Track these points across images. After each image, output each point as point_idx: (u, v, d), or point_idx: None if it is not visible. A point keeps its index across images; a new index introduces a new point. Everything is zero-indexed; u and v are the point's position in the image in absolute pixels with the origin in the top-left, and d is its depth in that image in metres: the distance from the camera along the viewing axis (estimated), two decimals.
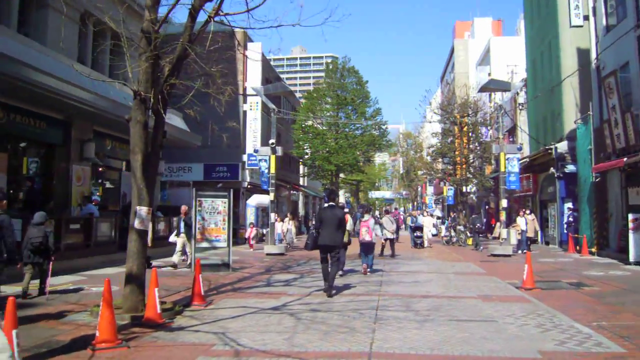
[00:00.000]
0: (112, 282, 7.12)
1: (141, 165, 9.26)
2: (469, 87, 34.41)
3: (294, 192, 52.80)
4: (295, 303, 10.00)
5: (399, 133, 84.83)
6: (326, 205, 12.46)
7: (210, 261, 16.40)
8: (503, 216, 22.35)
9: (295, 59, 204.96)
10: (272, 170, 23.31)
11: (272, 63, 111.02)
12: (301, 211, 54.89)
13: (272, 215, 23.35)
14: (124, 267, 11.47)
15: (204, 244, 15.98)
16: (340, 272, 13.34)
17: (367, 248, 15.35)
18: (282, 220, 25.31)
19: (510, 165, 22.38)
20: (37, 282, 10.67)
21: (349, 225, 16.26)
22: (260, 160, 23.89)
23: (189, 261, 16.23)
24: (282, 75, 68.94)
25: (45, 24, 17.42)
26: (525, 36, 35.46)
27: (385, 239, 20.87)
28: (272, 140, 23.49)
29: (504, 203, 22.33)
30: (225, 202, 16.06)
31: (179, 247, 16.46)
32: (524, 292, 11.54)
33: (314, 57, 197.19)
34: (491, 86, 22.56)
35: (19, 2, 16.89)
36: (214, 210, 15.94)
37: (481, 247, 25.25)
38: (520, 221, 22.93)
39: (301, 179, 54.00)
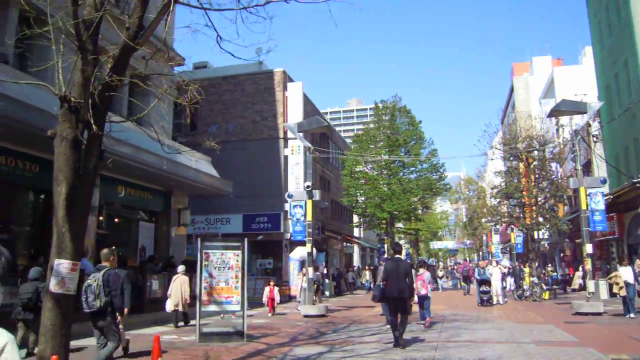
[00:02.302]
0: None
1: (65, 200, 6.34)
2: (533, 117, 30.60)
3: (348, 244, 49.41)
4: None
5: (460, 180, 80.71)
6: (391, 257, 12.84)
7: (220, 329, 13.33)
8: (588, 264, 18.33)
9: (352, 110, 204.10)
10: (309, 218, 20.20)
11: (328, 116, 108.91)
12: (357, 265, 51.27)
13: (310, 270, 20.09)
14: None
15: (212, 307, 12.88)
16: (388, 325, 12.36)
17: (422, 301, 15.63)
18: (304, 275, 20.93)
19: (593, 202, 18.51)
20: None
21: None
22: (295, 206, 20.80)
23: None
24: (338, 128, 66.50)
25: None
26: (595, 60, 31.71)
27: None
28: (307, 183, 20.44)
29: (588, 248, 18.33)
30: (238, 255, 12.99)
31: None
32: None
33: (370, 109, 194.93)
34: (563, 108, 18.89)
35: None
36: (225, 265, 12.86)
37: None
38: (624, 271, 16.65)
39: (355, 230, 50.58)
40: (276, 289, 20.06)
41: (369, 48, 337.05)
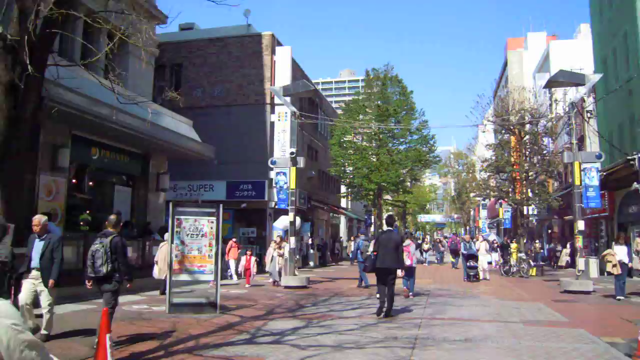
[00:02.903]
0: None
1: None
2: (527, 90, 29.80)
3: (335, 215, 48.79)
4: None
5: (449, 154, 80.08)
6: (384, 229, 12.86)
7: (192, 299, 12.64)
8: (580, 242, 17.74)
9: (344, 81, 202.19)
10: (292, 186, 19.44)
11: (319, 87, 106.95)
12: (343, 236, 50.70)
13: (292, 240, 19.40)
14: (86, 305, 8.07)
15: (184, 277, 12.13)
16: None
17: (407, 271, 15.68)
18: (279, 246, 19.83)
19: (587, 178, 17.86)
20: None
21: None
22: (278, 173, 20.00)
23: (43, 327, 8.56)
24: (330, 99, 65.14)
25: None
26: (592, 33, 30.85)
27: None
28: (292, 150, 19.62)
29: (580, 225, 17.69)
30: (212, 222, 12.20)
31: (26, 299, 8.39)
32: None
33: (362, 80, 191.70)
34: (560, 79, 18.05)
35: None
36: (198, 232, 12.08)
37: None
38: (619, 250, 15.46)
39: (343, 201, 49.88)
40: (253, 258, 19.13)
41: (362, 19, 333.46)
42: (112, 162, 18.95)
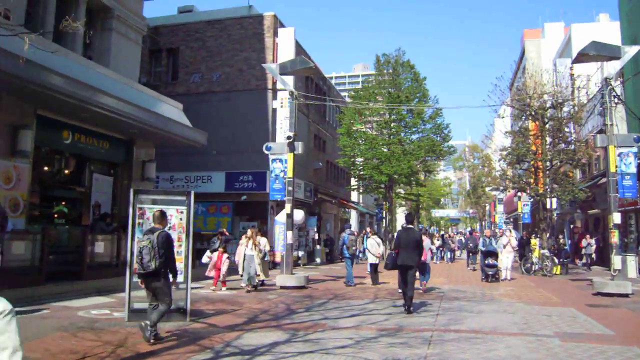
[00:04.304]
0: None
1: None
2: (548, 72, 27.50)
3: (346, 209, 46.68)
4: None
5: (464, 147, 77.69)
6: (404, 226, 12.47)
7: None
8: (615, 237, 15.52)
9: (357, 76, 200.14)
10: (290, 174, 17.42)
11: (333, 81, 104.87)
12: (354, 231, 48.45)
13: (289, 235, 17.42)
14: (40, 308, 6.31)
15: None
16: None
17: (421, 268, 15.39)
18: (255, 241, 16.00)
19: (624, 164, 15.67)
20: None
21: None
22: (273, 160, 17.96)
23: None
24: (343, 93, 62.56)
25: None
26: (620, 13, 28.48)
27: (371, 265, 18.48)
28: (289, 134, 17.55)
29: (615, 218, 15.48)
30: (182, 212, 10.24)
31: None
32: None
33: (375, 74, 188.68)
34: (592, 52, 15.79)
35: None
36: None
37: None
38: None
39: (354, 195, 47.74)
40: (225, 256, 15.52)
41: (377, 14, 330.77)
42: (89, 147, 17.03)
